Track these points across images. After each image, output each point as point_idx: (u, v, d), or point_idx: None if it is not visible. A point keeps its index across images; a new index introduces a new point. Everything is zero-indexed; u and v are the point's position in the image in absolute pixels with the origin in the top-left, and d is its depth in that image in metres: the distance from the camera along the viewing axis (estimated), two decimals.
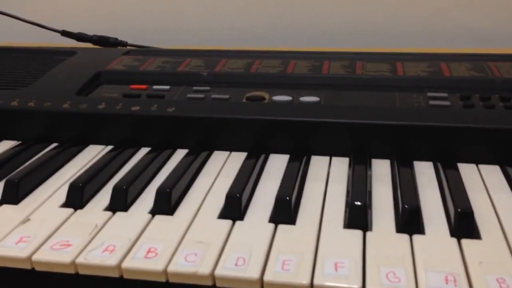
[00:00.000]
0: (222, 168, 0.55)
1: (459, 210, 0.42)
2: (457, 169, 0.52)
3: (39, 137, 0.61)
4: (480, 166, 0.53)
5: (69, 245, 0.42)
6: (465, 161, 0.54)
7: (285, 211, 0.45)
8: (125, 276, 0.40)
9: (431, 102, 0.58)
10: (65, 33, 0.87)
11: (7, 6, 0.89)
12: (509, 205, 0.46)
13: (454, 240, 0.42)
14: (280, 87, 0.64)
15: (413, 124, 0.54)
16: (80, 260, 0.40)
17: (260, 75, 0.67)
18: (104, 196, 0.50)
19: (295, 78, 0.66)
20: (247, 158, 0.55)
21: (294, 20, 0.98)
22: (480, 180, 0.51)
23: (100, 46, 0.88)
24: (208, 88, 0.65)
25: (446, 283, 0.37)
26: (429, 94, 0.60)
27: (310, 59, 0.71)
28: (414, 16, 0.95)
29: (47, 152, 0.58)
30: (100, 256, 0.41)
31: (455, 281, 0.37)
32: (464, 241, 0.41)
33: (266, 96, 0.62)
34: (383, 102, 0.59)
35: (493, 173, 0.52)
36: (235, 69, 0.69)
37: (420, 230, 0.43)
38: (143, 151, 0.59)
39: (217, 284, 0.39)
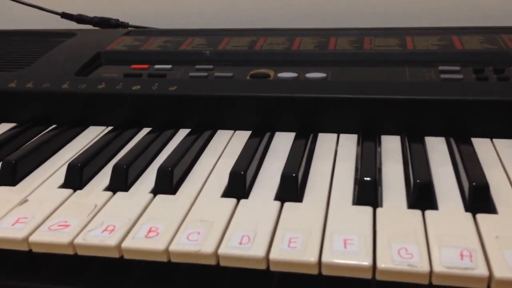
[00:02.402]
0: (226, 147, 0.53)
1: (474, 183, 0.40)
2: (470, 143, 0.50)
3: (38, 119, 0.60)
4: (495, 140, 0.51)
5: (67, 226, 0.40)
6: (479, 136, 0.51)
7: (291, 188, 0.43)
8: (126, 256, 0.38)
9: (443, 76, 0.56)
10: (65, 15, 0.85)
11: None
12: None
13: (469, 215, 0.40)
14: (286, 64, 0.62)
15: (423, 98, 0.52)
16: (79, 240, 0.39)
17: (264, 53, 0.65)
18: (104, 176, 0.48)
19: (300, 55, 0.64)
20: (251, 137, 0.53)
21: (299, 0, 0.95)
22: (495, 154, 0.49)
23: (101, 27, 0.86)
24: (211, 66, 0.63)
25: (462, 258, 0.35)
26: (441, 67, 0.58)
27: (316, 36, 0.69)
28: None
29: (46, 133, 0.56)
30: (99, 236, 0.39)
31: (470, 256, 0.35)
32: (480, 216, 0.39)
33: (271, 73, 0.60)
34: (393, 77, 0.57)
35: (508, 147, 0.50)
36: (238, 47, 0.67)
37: (433, 205, 0.41)
38: (145, 131, 0.58)
39: (221, 263, 0.37)
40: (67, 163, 0.48)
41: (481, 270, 0.34)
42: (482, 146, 0.50)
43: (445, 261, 0.35)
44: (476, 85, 0.54)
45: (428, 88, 0.53)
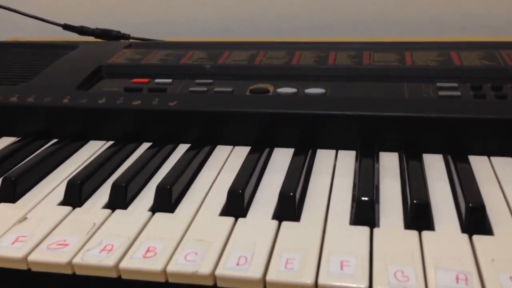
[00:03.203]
0: (225, 163, 0.54)
1: (470, 204, 0.41)
2: (468, 161, 0.50)
3: (39, 133, 0.60)
4: (492, 158, 0.51)
5: (66, 245, 0.41)
6: (476, 154, 0.52)
7: (289, 208, 0.44)
8: (123, 276, 0.39)
9: (441, 93, 0.56)
10: (67, 27, 0.86)
11: (8, 0, 0.88)
12: None
13: (465, 236, 0.40)
14: (285, 79, 0.63)
15: (422, 116, 0.52)
16: (77, 260, 0.39)
17: (264, 67, 0.65)
18: (104, 193, 0.49)
19: (300, 70, 0.64)
20: (250, 152, 0.54)
21: (299, 10, 0.96)
22: (492, 173, 0.49)
23: (102, 39, 0.86)
24: (211, 81, 0.63)
25: (457, 282, 0.35)
26: (439, 84, 0.58)
27: (315, 50, 0.69)
28: (422, 4, 0.93)
29: (46, 149, 0.56)
30: (97, 256, 0.39)
31: (466, 279, 0.35)
32: (476, 237, 0.39)
33: (271, 88, 0.61)
34: (391, 93, 0.58)
35: (506, 165, 0.50)
36: (238, 61, 0.67)
37: (430, 226, 0.41)
38: (145, 146, 0.58)
39: (218, 284, 0.37)
40: (67, 180, 0.49)
41: None
42: (479, 164, 0.50)
43: (441, 285, 0.35)
44: (474, 102, 0.54)
45: (426, 105, 0.53)
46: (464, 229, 0.41)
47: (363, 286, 0.35)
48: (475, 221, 0.40)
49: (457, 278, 0.35)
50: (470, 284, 0.35)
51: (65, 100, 0.60)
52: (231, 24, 0.98)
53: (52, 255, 0.40)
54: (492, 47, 0.65)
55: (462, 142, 0.52)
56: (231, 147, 0.57)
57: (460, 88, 0.57)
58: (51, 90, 0.62)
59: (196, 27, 0.99)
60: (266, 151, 0.55)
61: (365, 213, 0.42)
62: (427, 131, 0.52)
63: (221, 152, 0.56)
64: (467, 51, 0.65)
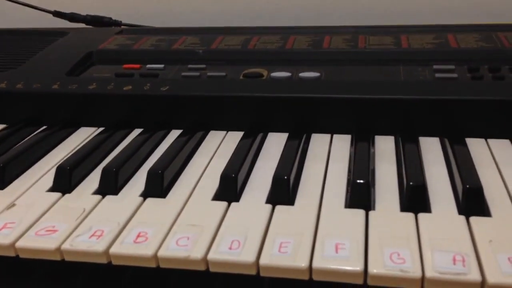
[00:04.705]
0: (218, 148, 0.53)
1: (467, 186, 0.40)
2: (465, 144, 0.49)
3: (29, 120, 0.59)
4: (489, 140, 0.51)
5: (55, 231, 0.40)
6: (473, 136, 0.51)
7: (283, 191, 0.43)
8: (114, 262, 0.38)
9: (438, 75, 0.55)
10: (57, 14, 0.84)
11: None
12: None
13: (462, 218, 0.39)
14: (279, 64, 0.62)
15: (418, 98, 0.51)
16: (66, 246, 0.38)
17: (258, 52, 0.64)
18: (94, 179, 0.48)
19: (294, 54, 0.63)
20: (244, 137, 0.53)
21: None
22: (489, 155, 0.48)
23: (93, 26, 0.85)
24: (203, 66, 0.62)
25: (454, 263, 0.34)
26: (435, 66, 0.57)
27: (310, 34, 0.68)
28: None
29: (36, 135, 0.55)
30: (87, 242, 0.38)
31: (463, 261, 0.34)
32: (473, 219, 0.39)
33: (264, 72, 0.60)
34: (387, 76, 0.57)
35: (503, 147, 0.49)
36: (232, 45, 0.66)
37: (426, 208, 0.40)
38: (136, 132, 0.57)
39: (211, 269, 0.37)
40: (56, 166, 0.48)
41: (474, 276, 0.33)
42: (476, 146, 0.49)
43: (438, 266, 0.34)
44: (471, 84, 0.53)
45: (423, 87, 0.52)
46: (461, 211, 0.40)
47: (358, 268, 0.34)
48: (472, 202, 0.40)
49: (454, 260, 0.35)
50: (467, 265, 0.34)
51: (55, 86, 0.59)
52: (224, 13, 0.97)
53: (40, 241, 0.39)
54: (489, 29, 0.64)
55: (459, 124, 0.51)
56: (224, 132, 0.56)
57: (457, 70, 0.56)
58: (40, 76, 0.61)
59: (189, 15, 0.98)
60: (260, 136, 0.54)
61: (360, 195, 0.41)
62: (423, 114, 0.51)
63: (214, 137, 0.55)
64: (464, 33, 0.64)
